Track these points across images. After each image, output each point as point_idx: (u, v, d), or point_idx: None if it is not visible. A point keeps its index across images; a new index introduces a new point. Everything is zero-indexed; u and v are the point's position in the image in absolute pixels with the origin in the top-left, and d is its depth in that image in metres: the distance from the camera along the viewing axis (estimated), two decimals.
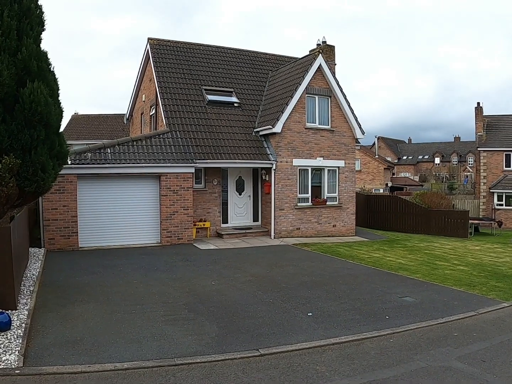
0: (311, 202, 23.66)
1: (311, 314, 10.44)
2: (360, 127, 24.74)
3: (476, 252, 21.15)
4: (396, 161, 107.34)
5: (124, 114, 35.50)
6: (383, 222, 31.02)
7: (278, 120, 21.99)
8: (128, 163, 18.96)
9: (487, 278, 14.93)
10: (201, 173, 22.33)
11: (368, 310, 10.89)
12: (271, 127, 22.00)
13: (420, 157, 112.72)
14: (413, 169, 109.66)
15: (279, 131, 22.20)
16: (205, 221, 22.16)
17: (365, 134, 25.15)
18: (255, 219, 24.08)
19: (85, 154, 18.50)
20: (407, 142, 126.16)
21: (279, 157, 22.41)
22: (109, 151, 19.17)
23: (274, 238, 22.34)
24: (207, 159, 20.98)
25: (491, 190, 43.16)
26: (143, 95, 28.90)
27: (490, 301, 12.01)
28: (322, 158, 23.66)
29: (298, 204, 23.17)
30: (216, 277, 13.89)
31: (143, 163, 19.21)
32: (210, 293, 11.98)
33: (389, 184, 59.98)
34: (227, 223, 23.24)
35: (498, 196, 42.88)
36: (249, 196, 23.82)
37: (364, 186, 50.66)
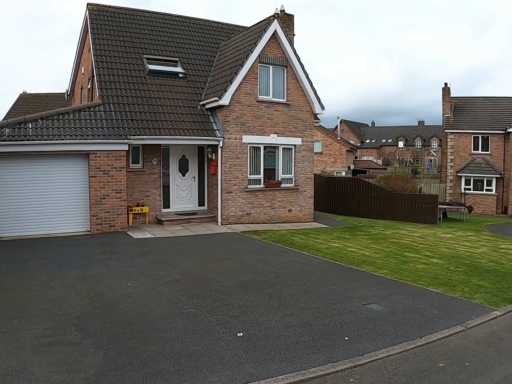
0: (264, 184, 21.01)
1: (241, 334, 7.70)
2: (319, 101, 22.14)
3: (448, 241, 18.80)
4: (359, 144, 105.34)
5: None
6: (345, 207, 28.48)
7: (225, 91, 19.22)
8: (52, 140, 16.08)
9: (467, 274, 12.49)
10: (139, 151, 19.49)
11: (321, 326, 8.20)
12: (217, 99, 19.21)
13: (384, 140, 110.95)
14: (376, 152, 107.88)
15: (227, 104, 19.44)
16: (143, 205, 19.36)
17: (325, 109, 22.54)
18: (201, 203, 21.36)
19: (2, 130, 15.55)
20: (370, 125, 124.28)
21: (227, 133, 19.68)
22: (30, 126, 16.26)
23: (221, 224, 19.66)
24: (144, 135, 18.11)
25: (458, 174, 41.29)
26: (83, 67, 25.84)
27: (477, 307, 9.53)
28: (276, 134, 21.02)
29: (249, 186, 20.50)
30: (136, 275, 11.16)
31: (68, 139, 16.34)
32: (119, 300, 9.25)
33: (352, 167, 57.65)
34: (168, 208, 20.45)
35: (465, 180, 41.01)
36: (194, 177, 21.06)
37: (325, 169, 48.15)
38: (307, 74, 21.57)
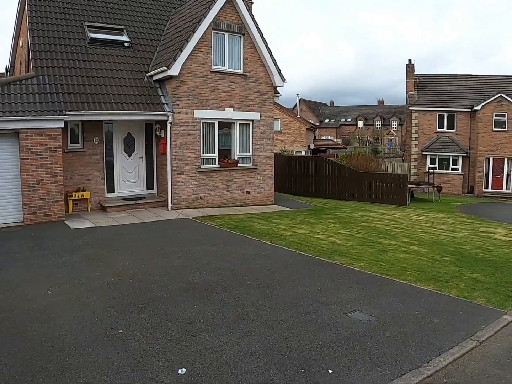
0: (219, 164, 19.00)
1: (184, 371, 5.56)
2: (279, 73, 20.18)
3: (423, 224, 17.19)
4: (318, 124, 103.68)
5: None
6: (307, 187, 26.65)
7: (175, 60, 17.06)
8: None
9: (456, 265, 10.81)
10: (78, 129, 17.27)
11: (293, 351, 6.17)
12: (166, 68, 17.01)
13: (343, 120, 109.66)
14: (336, 132, 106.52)
15: (177, 74, 17.28)
16: (84, 190, 17.15)
17: (285, 82, 20.58)
18: (150, 186, 19.23)
19: None
20: (329, 105, 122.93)
21: (177, 107, 17.55)
22: None
23: (172, 210, 17.60)
24: (82, 110, 15.86)
25: (423, 153, 40.09)
26: (21, 39, 23.19)
27: (482, 310, 7.81)
28: (232, 109, 19.00)
29: (202, 166, 18.46)
30: (61, 279, 9.07)
31: None
32: (30, 317, 7.15)
33: (312, 146, 55.97)
34: (113, 192, 18.25)
35: (431, 159, 39.77)
36: (141, 157, 18.90)
37: (284, 148, 46.36)
38: (266, 42, 19.56)
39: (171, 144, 17.48)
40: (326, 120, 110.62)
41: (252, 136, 19.92)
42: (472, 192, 37.95)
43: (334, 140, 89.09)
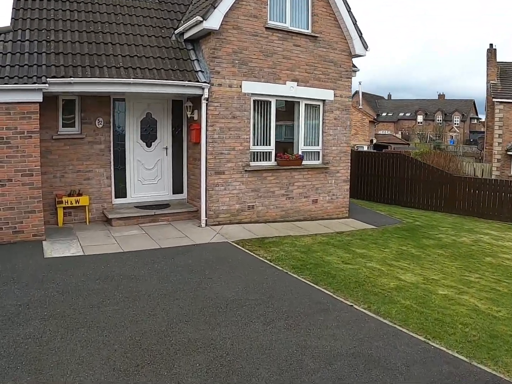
0: (276, 160, 13.42)
1: None
2: (361, 37, 14.46)
3: None
4: (375, 117, 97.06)
5: None
6: (381, 192, 20.69)
7: (214, 8, 11.50)
8: None
9: None
10: (74, 107, 11.96)
11: None
12: (201, 19, 11.42)
13: (401, 114, 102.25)
14: (394, 126, 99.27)
15: (217, 28, 11.73)
16: (80, 194, 11.86)
17: (369, 50, 14.82)
18: (177, 189, 13.74)
19: None
20: (386, 98, 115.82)
21: (217, 77, 12.02)
22: None
23: (207, 225, 12.13)
24: (73, 76, 10.49)
25: (508, 153, 33.20)
26: None
27: None
28: (295, 83, 13.40)
29: (252, 163, 12.92)
30: None
31: None
32: None
33: (374, 141, 49.65)
34: (124, 197, 12.85)
35: None
36: (166, 148, 13.43)
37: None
38: None
39: (207, 130, 11.97)
40: (384, 114, 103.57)
41: (323, 122, 14.28)
42: None
43: (394, 135, 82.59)
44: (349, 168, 15.18)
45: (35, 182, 10.19)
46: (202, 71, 12.02)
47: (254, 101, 12.74)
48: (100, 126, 12.08)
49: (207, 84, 11.75)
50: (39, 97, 10.00)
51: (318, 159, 14.41)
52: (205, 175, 12.07)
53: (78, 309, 6.54)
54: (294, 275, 8.53)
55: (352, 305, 7.17)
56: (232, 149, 12.33)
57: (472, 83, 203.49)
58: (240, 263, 9.21)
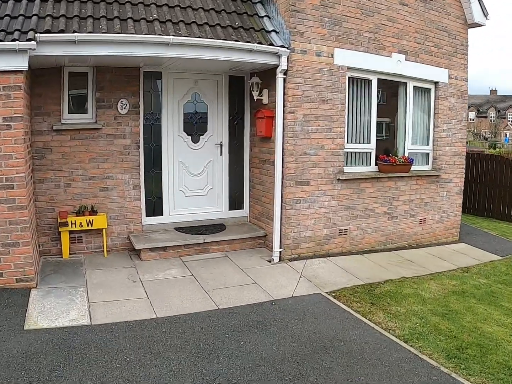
0: (377, 164, 9.45)
1: None
2: (480, 0, 10.34)
3: None
4: None
5: None
6: (474, 202, 15.82)
7: None
8: None
9: None
10: (87, 82, 8.11)
11: None
12: None
13: None
14: None
15: None
16: (94, 211, 8.07)
17: (489, 18, 10.64)
18: (235, 203, 9.80)
19: None
20: None
21: (300, 39, 8.04)
22: None
23: (281, 259, 8.20)
24: (83, 32, 6.56)
25: None
26: None
27: None
28: (403, 56, 9.36)
29: (346, 168, 8.96)
30: None
31: None
32: None
33: None
34: (160, 214, 8.99)
35: None
36: (220, 145, 9.47)
37: None
38: None
39: (284, 118, 7.99)
40: None
41: (434, 113, 10.23)
42: None
43: None
44: (463, 175, 11.07)
45: (17, 199, 6.40)
46: (276, 31, 8.07)
47: (349, 78, 8.72)
48: (125, 111, 8.23)
49: (285, 50, 7.76)
50: (22, 64, 6.17)
51: (427, 164, 10.36)
52: (280, 185, 8.08)
53: None
54: (462, 380, 4.55)
55: None
56: (320, 147, 8.34)
57: None
58: (360, 350, 5.21)
